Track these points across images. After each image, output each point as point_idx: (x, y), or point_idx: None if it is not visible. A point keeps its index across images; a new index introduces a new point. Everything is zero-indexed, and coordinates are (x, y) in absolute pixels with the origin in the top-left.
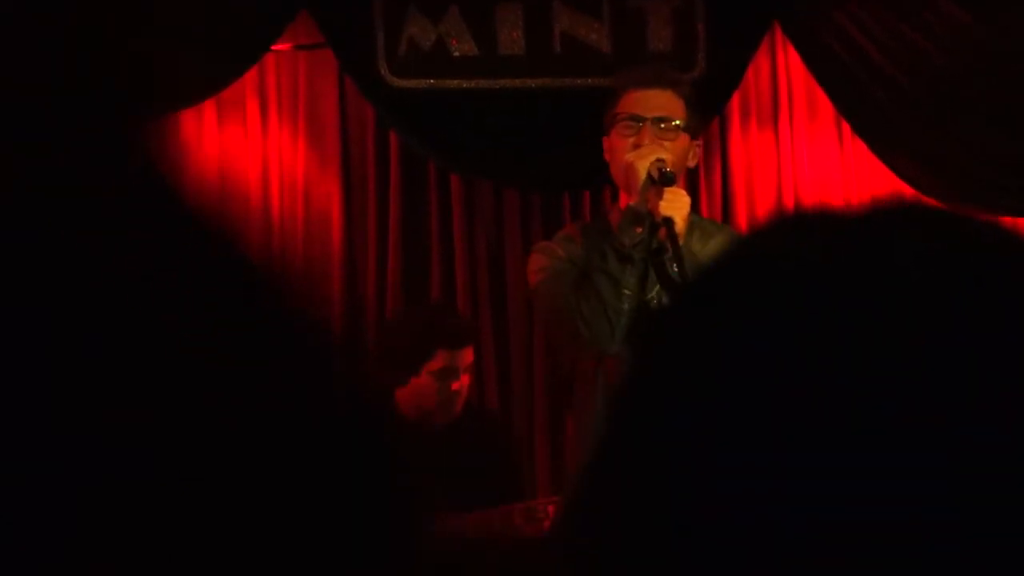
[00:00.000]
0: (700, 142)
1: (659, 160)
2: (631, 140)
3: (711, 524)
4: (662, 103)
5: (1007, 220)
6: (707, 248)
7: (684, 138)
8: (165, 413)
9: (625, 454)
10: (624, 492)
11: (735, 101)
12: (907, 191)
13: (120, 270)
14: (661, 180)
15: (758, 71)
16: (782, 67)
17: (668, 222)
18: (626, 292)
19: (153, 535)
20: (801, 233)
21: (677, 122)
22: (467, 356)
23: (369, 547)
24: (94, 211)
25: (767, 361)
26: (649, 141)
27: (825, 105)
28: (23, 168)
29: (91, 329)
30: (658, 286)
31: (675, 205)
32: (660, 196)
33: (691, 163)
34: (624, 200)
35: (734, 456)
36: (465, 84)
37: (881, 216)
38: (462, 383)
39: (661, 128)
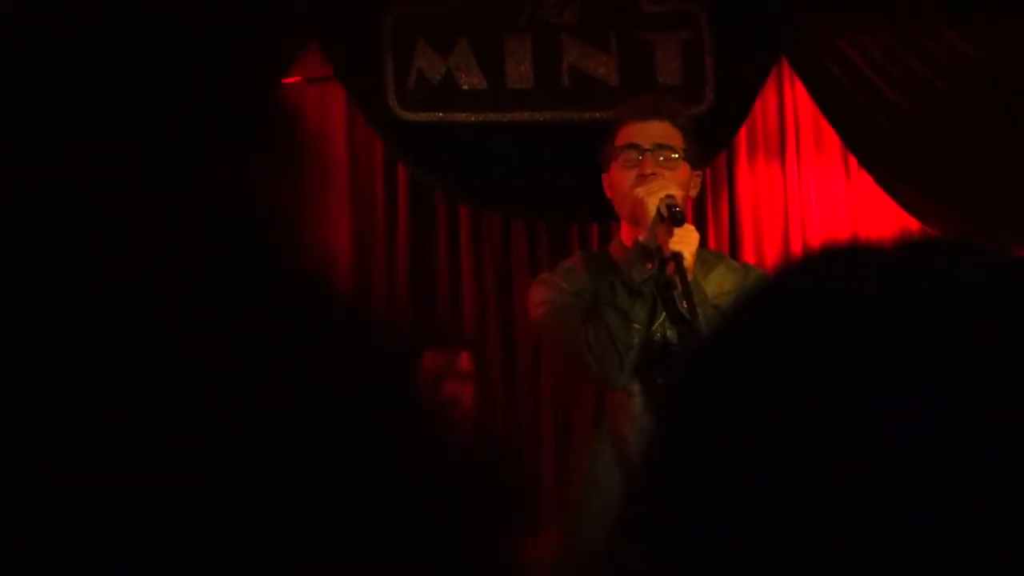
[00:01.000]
0: (699, 173)
1: (669, 197)
2: (633, 172)
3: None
4: (660, 133)
5: (1013, 249)
6: (709, 278)
7: (685, 168)
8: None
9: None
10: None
11: (742, 134)
12: (912, 222)
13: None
14: (671, 219)
15: (765, 104)
16: (789, 101)
17: (677, 257)
18: (635, 326)
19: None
20: (839, 267)
21: (676, 153)
22: (463, 362)
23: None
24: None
25: (817, 397)
26: (652, 170)
27: (832, 138)
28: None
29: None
30: (662, 319)
31: (684, 240)
32: (670, 233)
33: (692, 193)
34: (626, 231)
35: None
36: (474, 117)
37: (913, 249)
38: (452, 389)
39: (661, 159)
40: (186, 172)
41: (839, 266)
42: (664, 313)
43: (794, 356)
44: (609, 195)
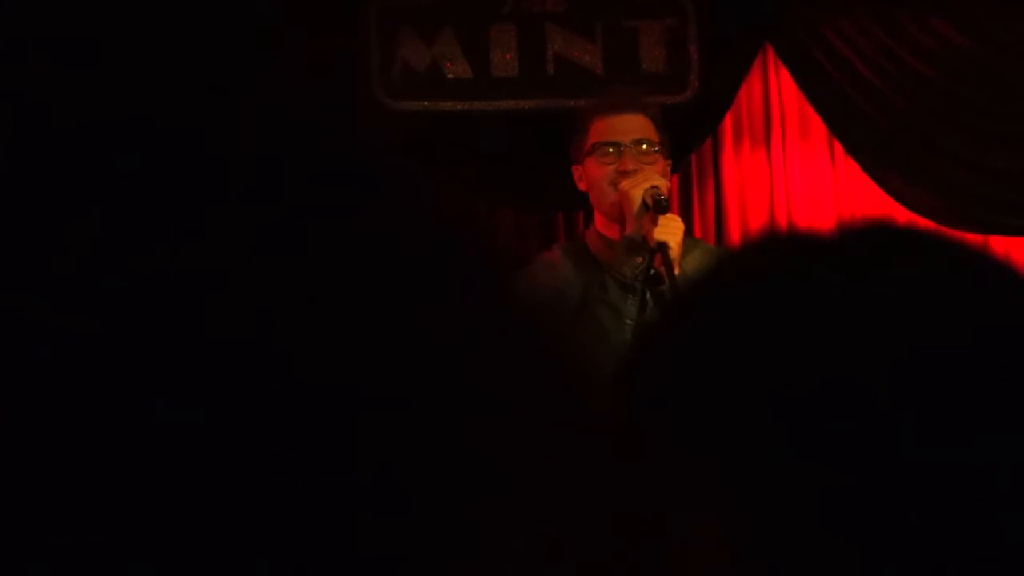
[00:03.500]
0: (671, 163)
1: (653, 187)
2: (612, 167)
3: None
4: (637, 127)
5: (999, 238)
6: (685, 262)
7: (661, 160)
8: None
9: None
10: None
11: (728, 121)
12: (899, 210)
13: None
14: (656, 207)
15: (750, 91)
16: (774, 87)
17: (663, 247)
18: (628, 322)
19: None
20: (779, 254)
21: (653, 145)
22: None
23: None
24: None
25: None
26: (633, 166)
27: (817, 125)
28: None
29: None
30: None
31: (669, 230)
32: (654, 223)
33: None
34: (600, 222)
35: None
36: (459, 106)
37: (857, 237)
38: None
39: (641, 151)
40: None
41: (795, 252)
42: (653, 305)
43: (747, 345)
44: (582, 187)
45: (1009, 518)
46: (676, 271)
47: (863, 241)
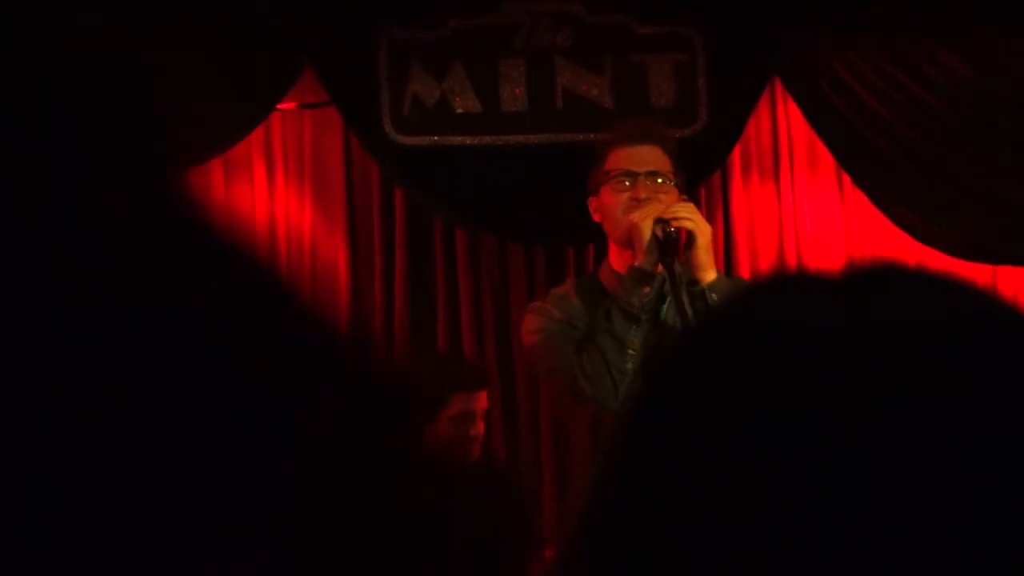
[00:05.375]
0: (686, 197)
1: (663, 220)
2: (625, 195)
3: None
4: (652, 158)
5: (1007, 268)
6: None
7: (674, 192)
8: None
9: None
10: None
11: (736, 154)
12: (908, 241)
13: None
14: (667, 241)
15: (759, 124)
16: (783, 120)
17: (688, 237)
18: (630, 352)
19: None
20: (778, 297)
21: (666, 178)
22: (482, 400)
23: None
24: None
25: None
26: (645, 195)
27: (826, 157)
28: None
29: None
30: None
31: (685, 211)
32: (666, 253)
33: None
34: (615, 254)
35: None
36: (469, 140)
37: (860, 279)
38: (479, 429)
39: (655, 183)
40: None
41: (797, 294)
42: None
43: (751, 385)
44: (597, 218)
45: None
46: (707, 266)
47: (866, 284)
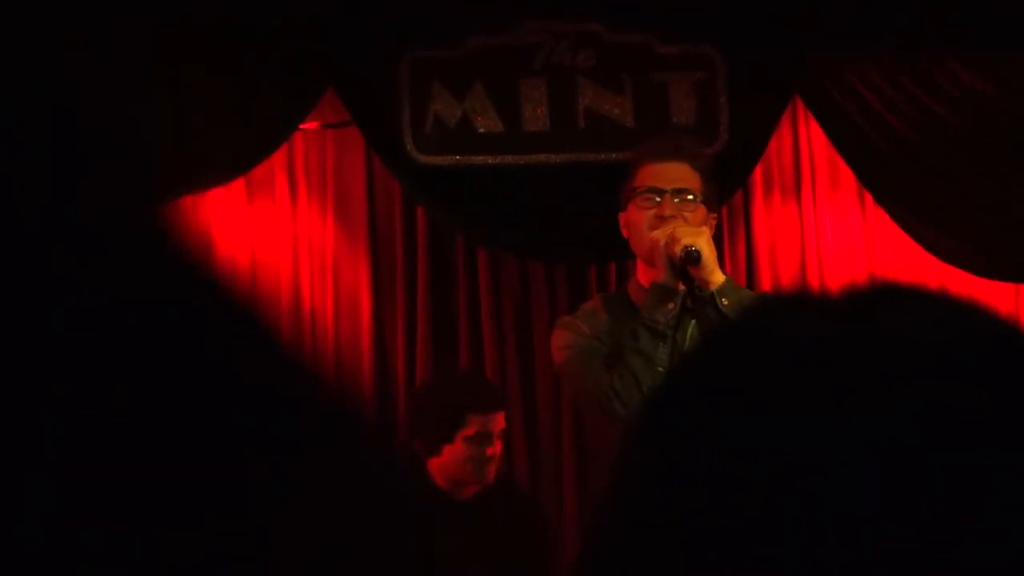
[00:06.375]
0: (715, 215)
1: (684, 245)
2: (651, 211)
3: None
4: (680, 175)
5: None
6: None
7: (702, 210)
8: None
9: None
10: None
11: (758, 173)
12: (930, 259)
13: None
14: (686, 260)
15: (780, 143)
16: (804, 138)
17: (693, 255)
18: (660, 369)
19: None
20: (777, 320)
21: (694, 195)
22: (499, 421)
23: None
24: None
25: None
26: (671, 212)
27: (847, 176)
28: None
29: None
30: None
31: (690, 232)
32: (687, 274)
33: None
34: (642, 270)
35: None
36: (490, 160)
37: (861, 300)
38: (496, 448)
39: (680, 201)
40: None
41: (796, 315)
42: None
43: (745, 404)
44: (625, 234)
45: None
46: (717, 277)
47: (866, 304)
